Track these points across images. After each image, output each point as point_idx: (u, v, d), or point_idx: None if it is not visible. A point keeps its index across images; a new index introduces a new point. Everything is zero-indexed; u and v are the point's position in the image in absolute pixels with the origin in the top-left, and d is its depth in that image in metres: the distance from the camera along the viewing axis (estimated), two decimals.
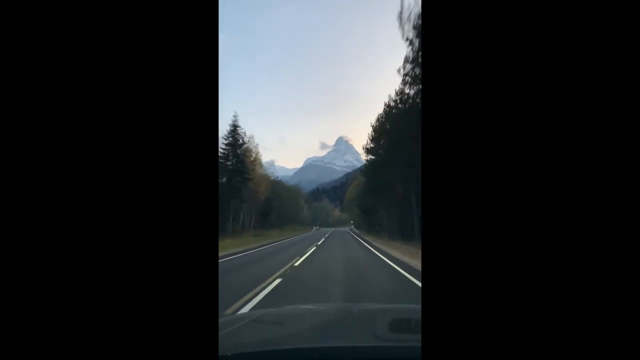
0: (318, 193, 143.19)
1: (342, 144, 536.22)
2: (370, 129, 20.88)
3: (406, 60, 12.22)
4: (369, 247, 13.37)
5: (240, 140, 24.30)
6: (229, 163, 22.99)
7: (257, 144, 28.35)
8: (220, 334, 0.83)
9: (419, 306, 0.62)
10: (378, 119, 20.15)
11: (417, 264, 6.87)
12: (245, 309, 3.35)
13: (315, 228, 57.98)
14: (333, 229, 68.55)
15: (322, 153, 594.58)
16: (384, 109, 18.40)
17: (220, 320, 1.05)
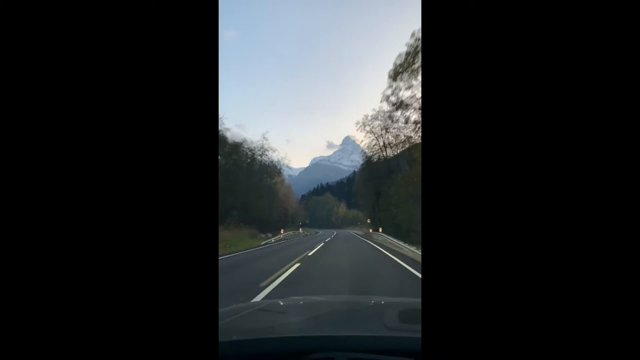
0: (321, 189, 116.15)
1: (348, 144, 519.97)
2: None
3: None
4: None
5: None
6: None
7: None
8: (225, 320, 0.92)
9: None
10: None
11: None
12: None
13: (273, 240, 18.82)
14: (335, 231, 36.91)
15: (329, 152, 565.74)
16: None
17: (226, 309, 1.08)
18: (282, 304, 1.38)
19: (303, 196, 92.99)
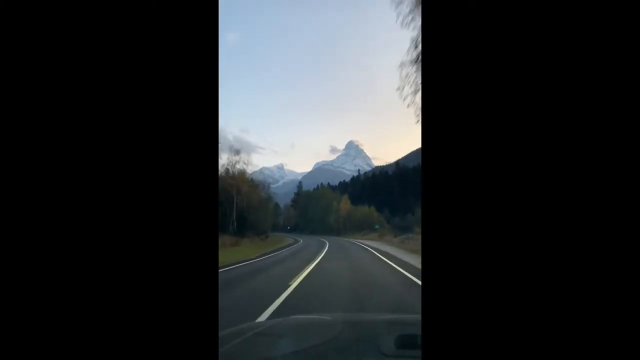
0: (321, 189, 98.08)
1: (352, 148, 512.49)
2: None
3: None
4: None
5: None
6: None
7: None
8: (223, 348, 0.92)
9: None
10: None
11: None
12: None
13: None
14: (327, 243, 22.01)
15: (332, 157, 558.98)
16: None
17: (224, 332, 1.11)
18: (282, 325, 1.41)
19: (297, 194, 74.94)
